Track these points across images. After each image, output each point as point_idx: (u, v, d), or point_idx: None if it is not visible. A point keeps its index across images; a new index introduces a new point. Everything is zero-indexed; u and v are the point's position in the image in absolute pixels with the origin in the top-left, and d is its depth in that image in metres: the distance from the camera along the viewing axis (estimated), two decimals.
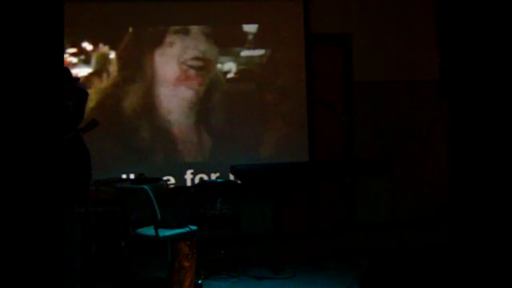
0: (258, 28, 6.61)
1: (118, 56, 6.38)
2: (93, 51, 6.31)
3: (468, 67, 3.25)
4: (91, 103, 6.27)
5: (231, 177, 6.11)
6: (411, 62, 6.84)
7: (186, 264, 4.62)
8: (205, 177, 6.42)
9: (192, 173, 6.45)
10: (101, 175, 5.48)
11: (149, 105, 6.45)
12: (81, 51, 6.27)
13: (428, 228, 6.29)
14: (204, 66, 6.52)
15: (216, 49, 6.54)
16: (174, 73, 6.47)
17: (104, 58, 6.35)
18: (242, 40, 6.60)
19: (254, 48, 6.63)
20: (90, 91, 6.17)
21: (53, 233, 2.79)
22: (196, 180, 6.41)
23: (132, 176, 6.17)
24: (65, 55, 6.11)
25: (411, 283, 4.23)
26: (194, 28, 6.50)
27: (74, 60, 6.23)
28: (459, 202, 3.40)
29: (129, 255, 5.15)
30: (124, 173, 6.22)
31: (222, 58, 6.57)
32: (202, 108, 6.53)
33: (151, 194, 4.64)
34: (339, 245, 5.91)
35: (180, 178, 6.41)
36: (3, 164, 2.57)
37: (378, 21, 6.85)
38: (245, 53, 6.61)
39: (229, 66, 6.59)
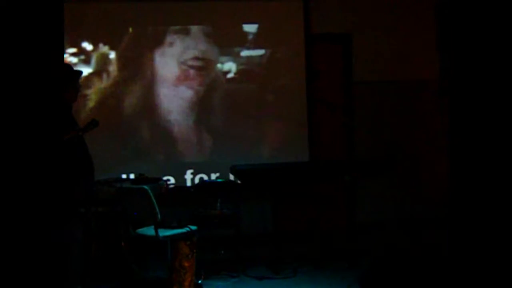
0: (258, 28, 6.61)
1: (118, 56, 6.38)
2: (93, 51, 6.31)
3: (468, 67, 3.25)
4: (91, 103, 6.29)
5: (231, 177, 6.11)
6: (411, 62, 6.84)
7: (186, 264, 4.62)
8: (205, 177, 6.42)
9: (192, 173, 6.45)
10: (101, 175, 5.47)
11: (149, 105, 6.45)
12: (81, 51, 6.26)
13: (428, 228, 6.29)
14: (204, 66, 6.52)
15: (216, 49, 6.54)
16: (174, 73, 6.47)
17: (104, 58, 6.35)
18: (242, 40, 6.60)
19: (254, 48, 6.62)
20: (90, 91, 6.21)
21: (54, 233, 2.79)
22: (196, 180, 6.41)
23: (132, 176, 6.17)
24: (65, 55, 6.12)
25: (411, 283, 4.23)
26: (194, 28, 6.50)
27: (74, 60, 6.22)
28: (459, 202, 3.41)
29: (129, 255, 5.15)
30: (124, 173, 6.22)
31: (222, 58, 6.57)
32: (202, 108, 6.53)
33: (151, 194, 4.64)
34: (339, 245, 5.91)
35: (180, 178, 6.41)
36: (4, 164, 2.57)
37: (378, 21, 6.85)
38: (245, 53, 6.60)
39: (229, 66, 6.59)
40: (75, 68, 5.17)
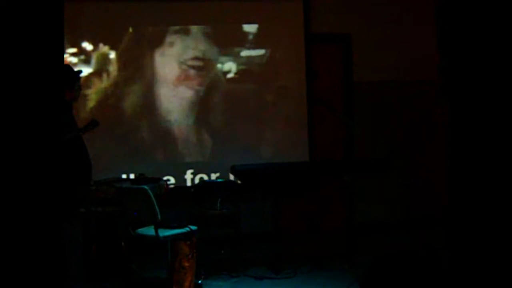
0: (258, 28, 6.61)
1: (118, 56, 6.38)
2: (93, 51, 6.31)
3: (468, 67, 3.25)
4: (91, 103, 6.29)
5: (231, 177, 6.11)
6: (411, 62, 6.84)
7: (186, 264, 4.62)
8: (205, 177, 6.42)
9: (192, 173, 6.45)
10: (101, 175, 5.48)
11: (149, 105, 6.45)
12: (81, 51, 6.27)
13: (428, 228, 6.29)
14: (204, 66, 6.52)
15: (216, 49, 6.54)
16: (174, 73, 6.47)
17: (104, 58, 6.34)
18: (242, 40, 6.60)
19: (254, 48, 6.63)
20: (90, 91, 6.21)
21: (54, 233, 2.79)
22: (196, 180, 6.41)
23: (132, 176, 6.17)
24: (65, 55, 6.11)
25: (411, 283, 4.22)
26: (194, 28, 6.50)
27: (74, 60, 6.23)
28: (458, 202, 3.41)
29: (129, 255, 5.15)
30: (124, 173, 6.22)
31: (222, 58, 6.57)
32: (202, 108, 6.53)
33: (151, 194, 4.64)
34: (339, 245, 5.91)
35: (180, 178, 6.41)
36: (3, 164, 2.57)
37: (378, 21, 6.85)
38: (245, 53, 6.60)
39: (229, 66, 6.59)
40: (75, 68, 5.18)
